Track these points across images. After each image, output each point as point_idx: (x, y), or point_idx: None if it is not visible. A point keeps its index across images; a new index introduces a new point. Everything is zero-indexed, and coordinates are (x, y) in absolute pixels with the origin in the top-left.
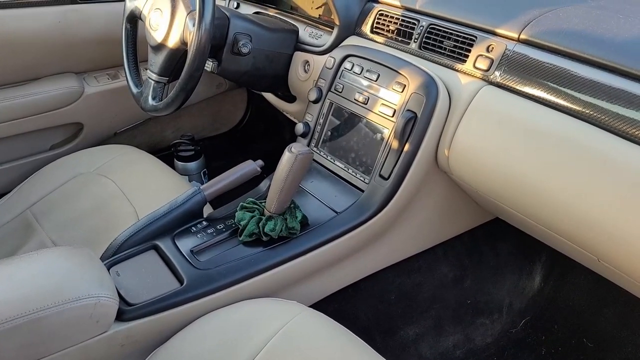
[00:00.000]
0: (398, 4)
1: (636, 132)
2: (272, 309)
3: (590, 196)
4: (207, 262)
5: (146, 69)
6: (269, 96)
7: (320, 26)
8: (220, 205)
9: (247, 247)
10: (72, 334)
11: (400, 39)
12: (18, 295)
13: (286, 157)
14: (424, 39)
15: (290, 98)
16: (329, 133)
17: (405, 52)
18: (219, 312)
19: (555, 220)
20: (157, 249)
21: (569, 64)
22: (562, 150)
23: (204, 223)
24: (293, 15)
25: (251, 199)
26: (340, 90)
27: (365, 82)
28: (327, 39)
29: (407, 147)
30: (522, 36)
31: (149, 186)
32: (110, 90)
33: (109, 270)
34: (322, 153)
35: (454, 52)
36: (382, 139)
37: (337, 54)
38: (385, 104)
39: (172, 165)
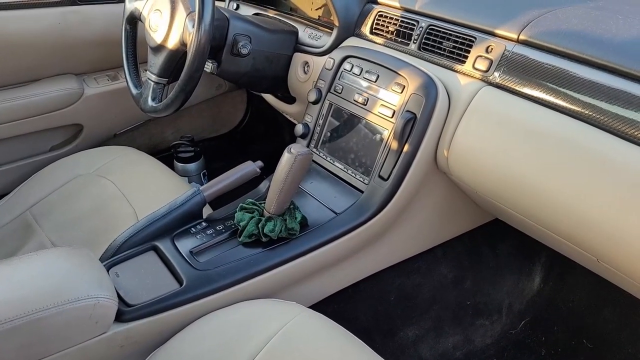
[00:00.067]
0: (397, 5)
1: (635, 133)
2: (271, 309)
3: (590, 197)
4: (206, 263)
5: (146, 70)
6: (269, 97)
7: (320, 27)
8: (220, 206)
9: (247, 248)
10: (71, 334)
11: (399, 40)
12: (17, 296)
13: (285, 158)
14: (423, 40)
15: (289, 99)
16: (329, 134)
17: (404, 53)
18: (218, 313)
19: (555, 221)
20: (156, 250)
21: (568, 65)
22: (561, 151)
23: (204, 224)
24: (292, 17)
25: (251, 200)
26: (340, 91)
27: (364, 83)
28: (327, 40)
29: (406, 147)
30: (522, 37)
31: (148, 187)
32: (110, 91)
33: (108, 271)
34: (321, 154)
35: (453, 53)
36: (382, 139)
37: (337, 55)
38: (384, 104)
39: (172, 167)
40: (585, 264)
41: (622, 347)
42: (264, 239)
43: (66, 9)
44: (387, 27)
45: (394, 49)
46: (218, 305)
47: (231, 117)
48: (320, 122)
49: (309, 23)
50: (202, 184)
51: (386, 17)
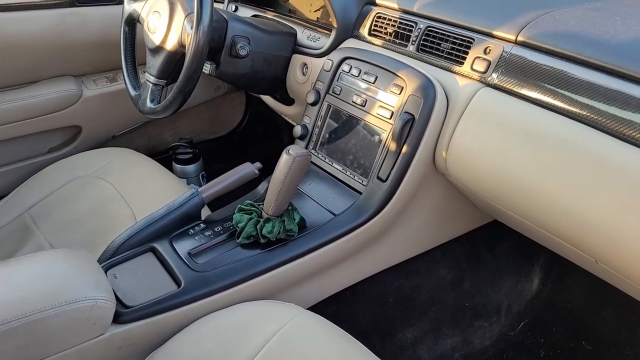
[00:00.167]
0: (396, 6)
1: (633, 134)
2: (269, 311)
3: (588, 198)
4: (204, 265)
5: (144, 72)
6: (267, 99)
7: (318, 29)
8: (218, 208)
9: (245, 249)
10: (69, 336)
11: (398, 41)
12: (15, 298)
13: (284, 160)
14: (421, 42)
15: (288, 101)
16: (327, 135)
17: (403, 54)
18: (216, 315)
19: (553, 222)
20: (154, 252)
21: (566, 66)
22: (559, 152)
23: (202, 225)
24: (291, 18)
25: (249, 201)
26: (338, 93)
27: (363, 85)
28: (325, 42)
29: (404, 149)
30: (520, 38)
31: (147, 189)
32: (109, 93)
33: (106, 272)
34: (320, 155)
35: (451, 54)
36: (380, 141)
37: (335, 56)
38: (383, 106)
39: (171, 168)
40: (584, 266)
41: (621, 348)
42: (262, 241)
43: (65, 10)
44: (386, 28)
45: (392, 50)
46: (216, 307)
47: (230, 119)
48: (319, 123)
49: (308, 25)
50: (200, 186)
51: (384, 18)
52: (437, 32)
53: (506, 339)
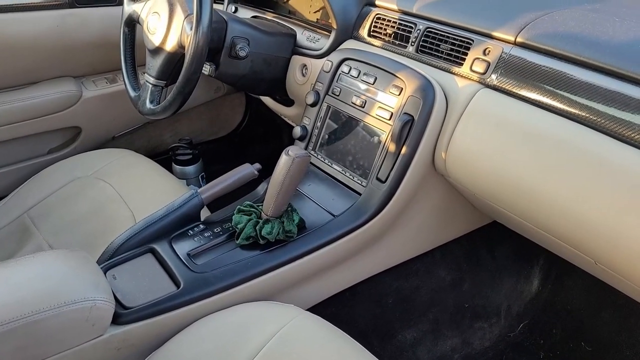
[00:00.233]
0: (395, 7)
1: (632, 135)
2: (269, 312)
3: (587, 199)
4: (204, 266)
5: (144, 73)
6: (267, 100)
7: (318, 30)
8: (218, 209)
9: (244, 250)
10: (68, 337)
11: (397, 42)
12: (14, 299)
13: (283, 161)
14: (421, 43)
15: (288, 102)
16: (327, 136)
17: (402, 55)
18: (215, 316)
19: (552, 223)
20: (154, 252)
21: (565, 67)
22: (558, 153)
23: (201, 226)
24: (291, 19)
25: (248, 202)
26: (338, 94)
27: (362, 86)
28: (325, 43)
29: (404, 150)
30: (519, 39)
31: (146, 190)
32: (109, 94)
33: (105, 273)
34: (319, 156)
35: (450, 55)
36: (380, 142)
37: (335, 57)
38: (382, 107)
39: (170, 169)
40: (583, 267)
41: (621, 349)
42: (261, 242)
43: (65, 11)
44: (385, 29)
45: (391, 51)
46: (215, 308)
47: (230, 120)
48: (318, 124)
49: (307, 26)
50: (200, 187)
51: (384, 19)
52: (437, 33)
53: (506, 340)
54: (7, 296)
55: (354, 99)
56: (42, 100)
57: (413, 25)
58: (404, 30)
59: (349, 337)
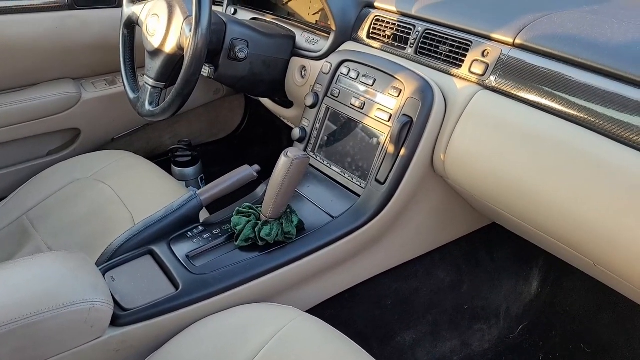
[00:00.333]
0: (394, 9)
1: (630, 136)
2: (267, 314)
3: (586, 200)
4: (202, 267)
5: (143, 75)
6: (266, 102)
7: (317, 32)
8: (217, 210)
9: (243, 252)
10: (66, 338)
11: (396, 44)
12: (13, 300)
13: (282, 162)
14: (419, 44)
15: (287, 103)
16: (326, 138)
17: (401, 57)
18: (214, 317)
19: (551, 224)
20: (152, 254)
21: (563, 69)
22: (557, 155)
23: (200, 228)
24: (290, 21)
25: (247, 204)
26: (337, 95)
27: (361, 87)
28: (324, 45)
29: (403, 151)
30: (517, 41)
31: (145, 191)
32: (108, 95)
33: (104, 275)
34: (318, 158)
35: (449, 57)
36: (378, 143)
37: (334, 59)
38: (381, 108)
39: (170, 171)
40: (583, 268)
41: (620, 351)
42: (260, 243)
43: (64, 13)
44: (384, 31)
45: (390, 53)
46: (214, 310)
47: (229, 122)
48: (318, 126)
49: (307, 27)
50: (199, 188)
51: (383, 21)
52: (435, 35)
53: (505, 342)
54: (5, 298)
55: (353, 101)
56: (42, 102)
57: (412, 27)
58: (402, 32)
59: (348, 338)
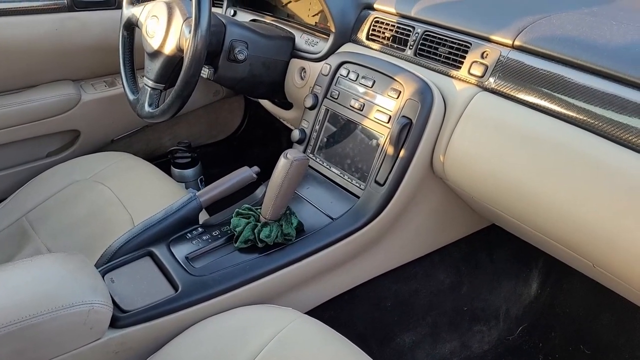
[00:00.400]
0: (393, 11)
1: (629, 138)
2: (267, 315)
3: (585, 201)
4: (202, 269)
5: (143, 76)
6: (266, 103)
7: (317, 33)
8: (216, 212)
9: (243, 253)
10: (65, 340)
11: (395, 45)
12: (12, 302)
13: (282, 163)
14: (419, 46)
15: (286, 105)
16: (325, 139)
17: (400, 58)
18: (213, 319)
19: (550, 226)
20: (152, 256)
21: (562, 70)
22: (556, 156)
23: (200, 229)
24: (289, 23)
25: (247, 206)
26: (336, 97)
27: (360, 89)
28: (323, 46)
29: (402, 153)
30: (517, 43)
31: (145, 193)
32: (107, 97)
33: (103, 277)
34: (318, 159)
35: (448, 58)
36: (378, 145)
37: (333, 60)
38: (380, 110)
39: (169, 173)
40: (582, 270)
41: (620, 352)
42: (260, 245)
43: (63, 15)
44: (383, 33)
45: (390, 54)
46: (214, 311)
47: (228, 123)
48: (317, 127)
49: (306, 29)
50: (199, 190)
51: (382, 23)
52: (435, 37)
53: (505, 344)
54: (5, 299)
55: (353, 102)
56: (41, 103)
57: (411, 29)
58: (402, 33)
59: (348, 340)
